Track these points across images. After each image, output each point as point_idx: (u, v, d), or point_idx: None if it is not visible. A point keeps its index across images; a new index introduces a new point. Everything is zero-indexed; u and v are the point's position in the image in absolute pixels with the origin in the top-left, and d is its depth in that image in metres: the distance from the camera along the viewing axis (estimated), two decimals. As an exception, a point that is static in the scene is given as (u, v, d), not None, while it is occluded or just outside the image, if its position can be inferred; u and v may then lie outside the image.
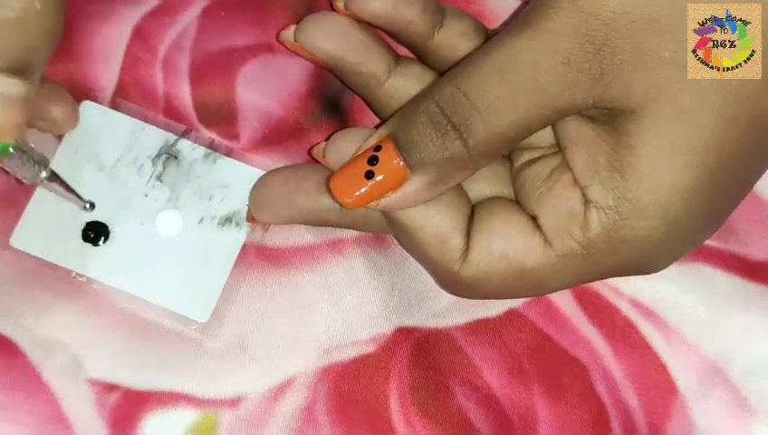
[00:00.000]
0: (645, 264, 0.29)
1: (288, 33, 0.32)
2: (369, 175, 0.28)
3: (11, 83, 0.26)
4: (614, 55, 0.27)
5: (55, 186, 0.31)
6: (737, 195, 0.30)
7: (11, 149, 0.29)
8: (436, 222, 0.29)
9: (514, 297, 0.30)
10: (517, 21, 0.28)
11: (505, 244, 0.29)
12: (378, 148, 0.28)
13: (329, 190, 0.29)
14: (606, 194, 0.28)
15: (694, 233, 0.29)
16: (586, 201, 0.28)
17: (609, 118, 0.28)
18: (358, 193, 0.28)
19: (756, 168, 0.29)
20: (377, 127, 0.30)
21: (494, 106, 0.27)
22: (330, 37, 0.31)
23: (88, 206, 0.32)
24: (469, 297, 0.31)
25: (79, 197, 0.32)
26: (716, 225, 0.30)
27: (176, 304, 0.33)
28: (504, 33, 0.28)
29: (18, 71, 0.27)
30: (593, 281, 0.30)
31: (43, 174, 0.30)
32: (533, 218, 0.29)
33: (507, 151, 0.29)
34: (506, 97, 0.27)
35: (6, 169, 0.30)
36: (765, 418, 0.34)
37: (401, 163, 0.28)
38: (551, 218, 0.29)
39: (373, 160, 0.28)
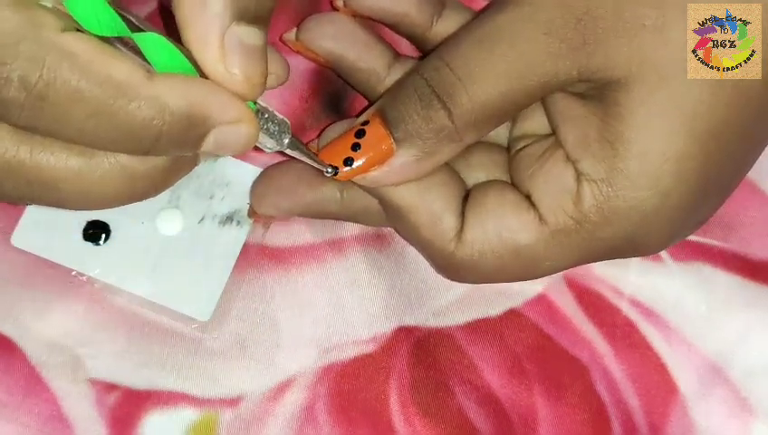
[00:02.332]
0: (640, 240, 0.29)
1: (290, 34, 0.33)
2: (356, 147, 0.28)
3: (251, 33, 0.24)
4: (595, 25, 0.27)
5: (296, 152, 0.28)
6: (734, 171, 0.30)
7: (254, 111, 0.26)
8: (429, 202, 0.29)
9: (510, 279, 0.30)
10: None
11: (499, 222, 0.29)
12: (366, 124, 0.29)
13: None
14: (597, 166, 0.28)
15: (689, 209, 0.29)
16: (578, 175, 0.28)
17: (598, 92, 0.28)
18: (344, 164, 0.29)
19: (754, 141, 0.29)
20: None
21: (477, 75, 0.27)
22: (330, 36, 0.32)
23: (330, 170, 0.29)
24: (465, 280, 0.31)
25: (320, 161, 0.29)
26: (713, 203, 0.30)
27: (177, 303, 0.33)
28: (485, 10, 0.29)
29: (255, 19, 0.24)
30: (589, 261, 0.30)
31: (286, 139, 0.27)
32: (528, 197, 0.29)
33: (495, 127, 0.29)
34: (488, 66, 0.27)
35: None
36: (765, 418, 0.34)
37: (388, 136, 0.28)
38: (544, 194, 0.29)
39: (360, 134, 0.29)
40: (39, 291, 0.33)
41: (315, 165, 0.29)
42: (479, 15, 0.29)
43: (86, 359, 0.33)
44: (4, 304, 0.33)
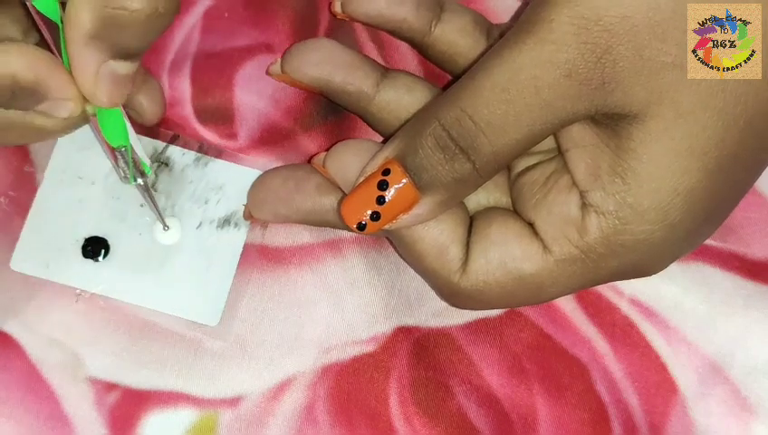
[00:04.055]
0: (644, 266, 0.29)
1: (275, 67, 0.33)
2: (381, 200, 0.28)
3: (122, 66, 0.28)
4: (615, 63, 0.26)
5: (145, 194, 0.32)
6: (737, 194, 0.30)
7: (124, 148, 0.31)
8: (437, 233, 0.29)
9: (515, 305, 0.30)
10: (516, 29, 0.28)
11: (503, 252, 0.29)
12: (386, 171, 0.28)
13: (340, 217, 0.29)
14: (607, 199, 0.27)
15: (693, 234, 0.29)
16: (585, 205, 0.28)
17: (612, 121, 0.27)
18: (370, 219, 0.28)
19: (755, 167, 0.29)
20: (383, 141, 0.30)
21: (500, 127, 0.27)
22: (314, 63, 0.32)
23: (166, 228, 0.33)
24: (470, 308, 0.31)
25: (160, 215, 0.33)
26: (716, 225, 0.30)
27: (184, 311, 0.33)
28: (503, 45, 0.27)
29: (128, 56, 0.28)
30: (593, 286, 0.30)
31: (139, 181, 0.31)
32: (531, 225, 0.29)
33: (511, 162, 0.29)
34: (510, 117, 0.27)
35: (116, 157, 0.31)
36: (765, 417, 0.34)
37: (412, 187, 0.28)
38: (548, 224, 0.29)
39: (383, 185, 0.28)
40: (40, 289, 0.33)
41: (157, 215, 0.33)
42: (494, 50, 0.28)
43: (86, 358, 0.33)
44: (5, 301, 0.33)
